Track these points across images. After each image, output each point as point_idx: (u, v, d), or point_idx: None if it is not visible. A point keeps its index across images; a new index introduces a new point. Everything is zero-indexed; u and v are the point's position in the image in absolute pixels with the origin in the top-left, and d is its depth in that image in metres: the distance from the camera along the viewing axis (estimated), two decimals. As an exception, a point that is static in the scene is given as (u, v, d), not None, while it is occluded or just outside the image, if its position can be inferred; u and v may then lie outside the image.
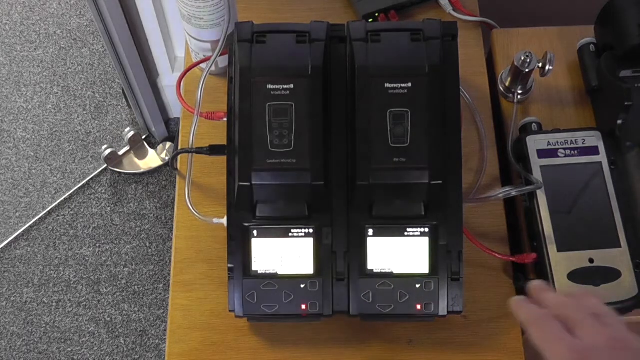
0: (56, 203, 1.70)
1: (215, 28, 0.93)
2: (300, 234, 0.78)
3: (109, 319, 1.58)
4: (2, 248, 1.65)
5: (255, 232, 0.78)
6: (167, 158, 1.73)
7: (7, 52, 1.88)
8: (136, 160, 1.75)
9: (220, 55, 0.92)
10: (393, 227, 0.78)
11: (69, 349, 1.56)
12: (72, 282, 1.62)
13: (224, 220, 0.83)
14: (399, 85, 0.76)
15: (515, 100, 0.97)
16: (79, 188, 1.72)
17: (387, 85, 0.76)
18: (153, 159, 1.74)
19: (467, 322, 0.86)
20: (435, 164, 0.75)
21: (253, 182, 0.75)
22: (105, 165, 1.72)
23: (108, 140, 1.78)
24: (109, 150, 1.69)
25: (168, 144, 1.75)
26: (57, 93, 1.83)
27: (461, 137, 0.79)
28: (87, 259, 1.64)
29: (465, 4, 1.06)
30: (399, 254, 0.78)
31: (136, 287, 1.61)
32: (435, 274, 0.78)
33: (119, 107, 1.82)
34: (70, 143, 1.77)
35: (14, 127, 1.79)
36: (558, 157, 0.89)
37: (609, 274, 0.83)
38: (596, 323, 0.54)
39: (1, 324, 1.58)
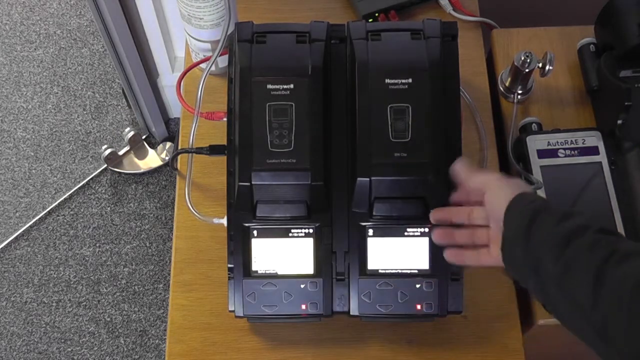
0: (56, 203, 1.70)
1: (215, 28, 0.93)
2: (300, 234, 0.78)
3: (109, 319, 1.58)
4: (2, 248, 1.65)
5: (255, 232, 0.78)
6: (167, 158, 1.73)
7: (7, 52, 1.88)
8: (136, 160, 1.74)
9: (220, 55, 0.92)
10: (393, 227, 0.78)
11: (69, 349, 1.56)
12: (72, 282, 1.62)
13: (224, 220, 0.83)
14: (400, 80, 0.76)
15: (515, 100, 0.97)
16: (79, 188, 1.72)
17: (388, 80, 0.76)
18: (153, 159, 1.74)
19: (467, 322, 0.86)
20: (436, 158, 0.75)
21: (253, 182, 0.75)
22: (105, 165, 1.72)
23: (108, 140, 1.78)
24: (109, 150, 1.69)
25: (168, 144, 1.75)
26: (57, 93, 1.83)
27: (461, 137, 0.79)
28: (87, 259, 1.64)
29: (465, 4, 1.06)
30: (399, 254, 0.78)
31: (136, 287, 1.61)
32: (436, 274, 0.78)
33: (119, 107, 1.82)
34: (70, 143, 1.77)
35: (14, 127, 1.79)
36: (558, 157, 0.89)
37: (609, 274, 0.83)
38: None
39: (1, 324, 1.58)
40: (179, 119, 1.01)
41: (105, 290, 1.61)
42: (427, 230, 0.77)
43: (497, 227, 0.69)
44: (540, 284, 0.63)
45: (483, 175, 0.73)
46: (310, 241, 0.78)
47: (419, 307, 0.78)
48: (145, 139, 1.76)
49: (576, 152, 0.89)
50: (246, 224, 0.78)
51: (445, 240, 0.75)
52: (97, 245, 1.65)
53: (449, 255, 0.75)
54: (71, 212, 1.69)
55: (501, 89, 0.99)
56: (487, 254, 0.72)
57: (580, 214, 0.64)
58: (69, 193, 1.71)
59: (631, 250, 0.57)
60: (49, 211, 1.69)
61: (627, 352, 0.54)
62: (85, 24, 1.92)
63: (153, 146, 1.76)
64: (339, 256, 0.78)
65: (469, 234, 0.74)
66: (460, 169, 0.74)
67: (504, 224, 0.67)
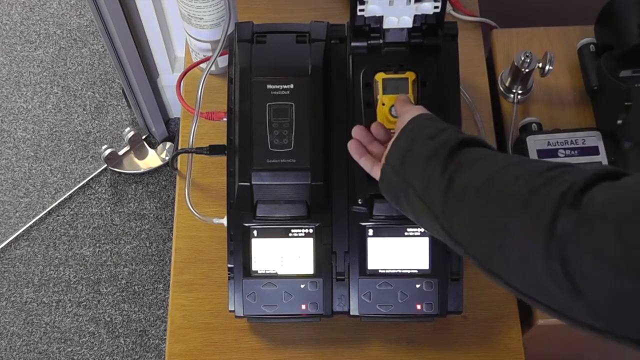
0: (56, 203, 1.70)
1: (215, 28, 0.93)
2: (300, 234, 0.78)
3: (109, 319, 1.58)
4: (2, 248, 1.65)
5: (255, 232, 0.78)
6: (167, 158, 1.73)
7: (7, 52, 1.89)
8: (136, 160, 1.74)
9: (220, 55, 0.92)
10: (393, 227, 0.78)
11: (69, 349, 1.56)
12: (72, 282, 1.62)
13: (224, 220, 0.83)
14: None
15: (515, 100, 0.97)
16: (79, 188, 1.72)
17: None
18: (153, 159, 1.74)
19: (467, 322, 0.86)
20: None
21: (253, 182, 0.75)
22: (105, 165, 1.72)
23: (108, 140, 1.78)
24: (109, 150, 1.69)
25: (168, 144, 1.75)
26: (57, 93, 1.83)
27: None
28: (87, 259, 1.64)
29: (465, 4, 1.06)
30: (399, 254, 0.78)
31: (136, 287, 1.61)
32: (436, 274, 0.78)
33: (119, 107, 1.82)
34: (70, 143, 1.77)
35: (14, 127, 1.79)
36: (558, 157, 0.89)
37: (609, 274, 0.82)
38: None
39: (1, 324, 1.58)
40: (179, 119, 1.01)
41: (105, 290, 1.61)
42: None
43: None
44: (410, 203, 0.64)
45: (410, 105, 0.72)
46: (310, 241, 0.78)
47: (419, 307, 0.78)
48: (145, 139, 1.76)
49: (576, 152, 0.89)
50: (246, 224, 0.78)
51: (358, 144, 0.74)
52: (97, 245, 1.65)
53: (352, 145, 0.73)
54: (71, 212, 1.69)
55: (501, 89, 0.99)
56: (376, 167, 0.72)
57: (448, 129, 0.65)
58: (69, 193, 1.71)
59: (473, 158, 0.60)
60: (49, 211, 1.69)
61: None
62: (85, 24, 1.92)
63: (153, 146, 1.76)
64: (339, 256, 0.78)
65: (383, 148, 0.73)
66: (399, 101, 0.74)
67: (389, 148, 0.68)
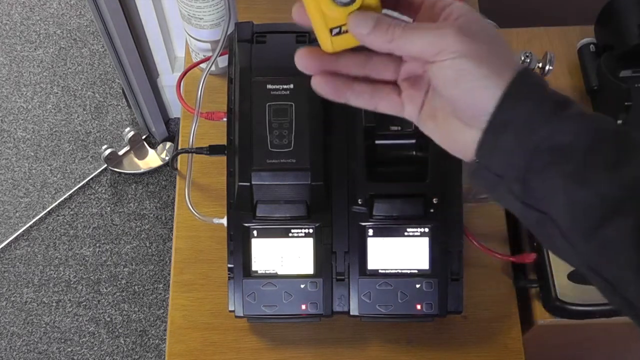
0: (56, 203, 1.70)
1: (215, 28, 0.93)
2: (300, 234, 0.78)
3: (109, 319, 1.58)
4: (2, 248, 1.65)
5: (255, 232, 0.78)
6: (167, 158, 1.73)
7: (7, 52, 1.89)
8: (136, 160, 1.75)
9: (220, 55, 0.92)
10: (393, 227, 0.78)
11: (69, 349, 1.56)
12: (72, 282, 1.62)
13: (224, 220, 0.83)
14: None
15: (515, 100, 0.97)
16: (79, 188, 1.72)
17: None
18: (153, 159, 1.75)
19: (467, 322, 0.86)
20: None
21: (253, 182, 0.75)
22: (105, 165, 1.72)
23: (108, 140, 1.78)
24: (109, 150, 1.69)
25: (168, 144, 1.75)
26: (57, 93, 1.83)
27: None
28: (87, 259, 1.64)
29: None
30: (399, 254, 0.78)
31: (136, 287, 1.61)
32: (436, 274, 0.78)
33: (119, 107, 1.82)
34: (70, 143, 1.77)
35: (14, 127, 1.79)
36: (558, 157, 0.89)
37: (609, 274, 0.82)
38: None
39: (1, 324, 1.58)
40: (179, 119, 1.01)
41: (105, 290, 1.61)
42: (427, 230, 0.77)
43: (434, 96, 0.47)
44: (549, 239, 0.45)
45: (434, 29, 0.45)
46: (310, 241, 0.78)
47: (419, 307, 0.78)
48: (145, 139, 1.76)
49: (576, 152, 0.89)
50: (246, 224, 0.78)
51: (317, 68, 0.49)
52: (97, 245, 1.66)
53: (317, 82, 0.51)
54: (71, 212, 1.69)
55: (501, 89, 0.99)
56: (389, 99, 0.49)
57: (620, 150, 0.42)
58: (69, 193, 1.71)
59: None
60: (49, 211, 1.69)
61: None
62: (85, 24, 1.92)
63: (153, 146, 1.76)
64: (339, 256, 0.78)
65: (360, 61, 0.49)
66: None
67: (483, 139, 0.44)
